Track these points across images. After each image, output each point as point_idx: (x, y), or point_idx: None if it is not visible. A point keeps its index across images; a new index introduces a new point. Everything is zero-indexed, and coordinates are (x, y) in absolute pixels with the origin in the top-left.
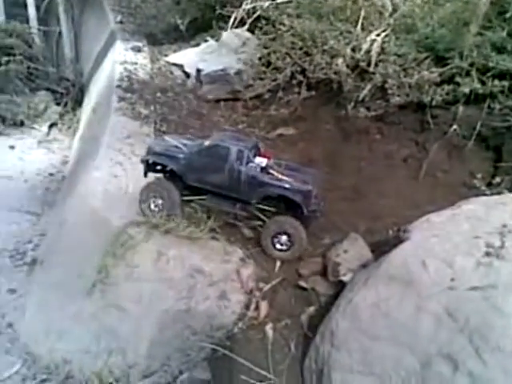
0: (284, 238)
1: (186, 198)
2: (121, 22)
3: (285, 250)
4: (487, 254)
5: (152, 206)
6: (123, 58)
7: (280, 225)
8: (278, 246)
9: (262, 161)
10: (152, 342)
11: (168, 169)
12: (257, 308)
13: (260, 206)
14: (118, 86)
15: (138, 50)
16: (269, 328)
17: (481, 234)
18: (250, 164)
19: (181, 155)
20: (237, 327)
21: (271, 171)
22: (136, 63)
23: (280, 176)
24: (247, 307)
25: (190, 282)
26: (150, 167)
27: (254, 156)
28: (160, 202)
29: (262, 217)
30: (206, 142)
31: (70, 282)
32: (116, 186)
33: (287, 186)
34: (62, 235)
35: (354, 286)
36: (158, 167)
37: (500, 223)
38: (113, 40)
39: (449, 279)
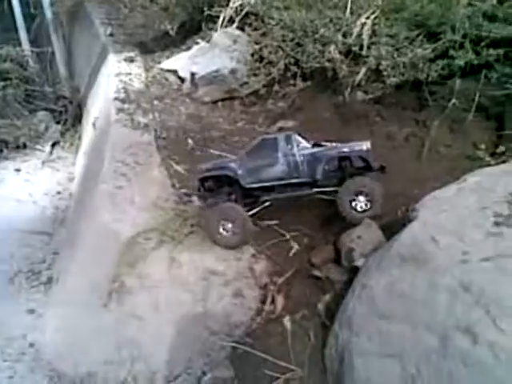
0: (362, 198)
1: (252, 212)
2: (111, 35)
3: (366, 211)
4: (496, 223)
5: (223, 232)
6: (117, 70)
7: (355, 186)
8: (359, 208)
9: (310, 141)
10: (172, 347)
11: (224, 181)
12: (273, 302)
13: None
14: (115, 98)
15: (131, 60)
16: (287, 320)
17: (488, 205)
18: (301, 145)
19: (232, 164)
20: (255, 323)
21: (323, 144)
22: (130, 74)
23: (334, 144)
24: (263, 302)
25: (205, 284)
26: (205, 189)
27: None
28: (230, 225)
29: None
30: (251, 143)
31: (86, 297)
32: (122, 197)
33: (346, 149)
34: (74, 252)
35: (367, 270)
36: (213, 188)
37: (507, 192)
38: (105, 53)
39: (461, 253)
